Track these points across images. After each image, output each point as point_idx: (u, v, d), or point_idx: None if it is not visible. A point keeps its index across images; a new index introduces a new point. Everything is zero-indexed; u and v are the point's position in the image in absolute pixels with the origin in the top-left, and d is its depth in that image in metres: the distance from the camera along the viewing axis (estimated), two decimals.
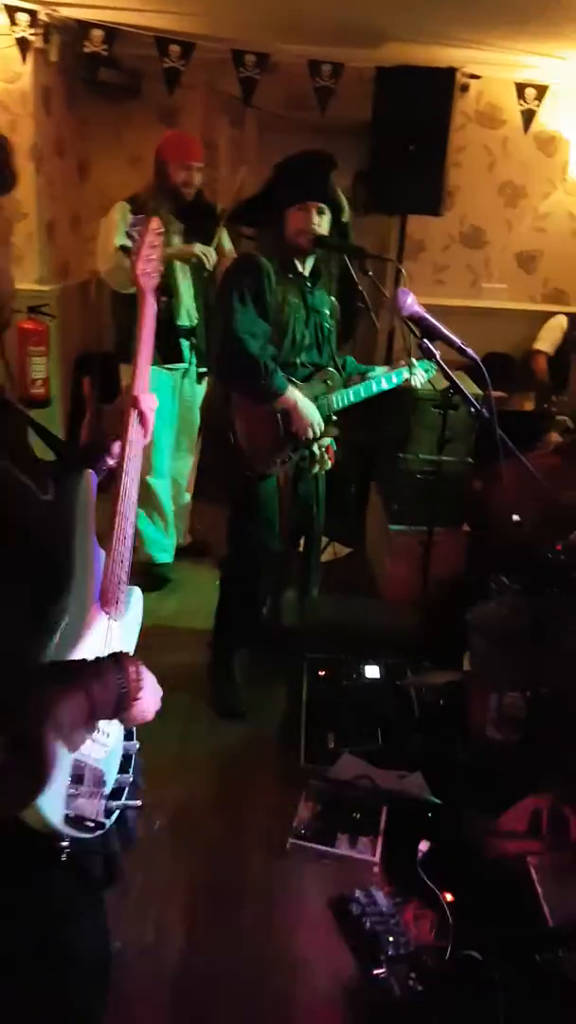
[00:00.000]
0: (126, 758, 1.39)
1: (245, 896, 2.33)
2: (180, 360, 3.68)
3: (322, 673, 3.18)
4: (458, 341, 2.26)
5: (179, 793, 2.65)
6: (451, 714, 2.82)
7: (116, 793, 1.36)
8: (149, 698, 1.22)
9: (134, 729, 1.40)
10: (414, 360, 2.85)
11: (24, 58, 4.25)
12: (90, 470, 1.35)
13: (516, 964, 2.03)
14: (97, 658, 1.20)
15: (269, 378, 2.69)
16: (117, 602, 1.37)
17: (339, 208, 2.82)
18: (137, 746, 1.42)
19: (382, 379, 2.96)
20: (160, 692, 1.27)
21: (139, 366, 1.49)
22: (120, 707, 1.16)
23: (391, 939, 2.15)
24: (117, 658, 1.19)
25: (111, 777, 1.34)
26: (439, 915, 2.22)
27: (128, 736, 1.40)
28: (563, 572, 2.06)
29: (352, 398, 2.94)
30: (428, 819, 2.47)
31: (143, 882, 2.30)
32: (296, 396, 2.76)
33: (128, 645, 1.41)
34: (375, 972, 2.07)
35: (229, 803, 2.65)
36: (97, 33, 4.24)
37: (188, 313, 3.65)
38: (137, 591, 1.47)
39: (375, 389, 2.97)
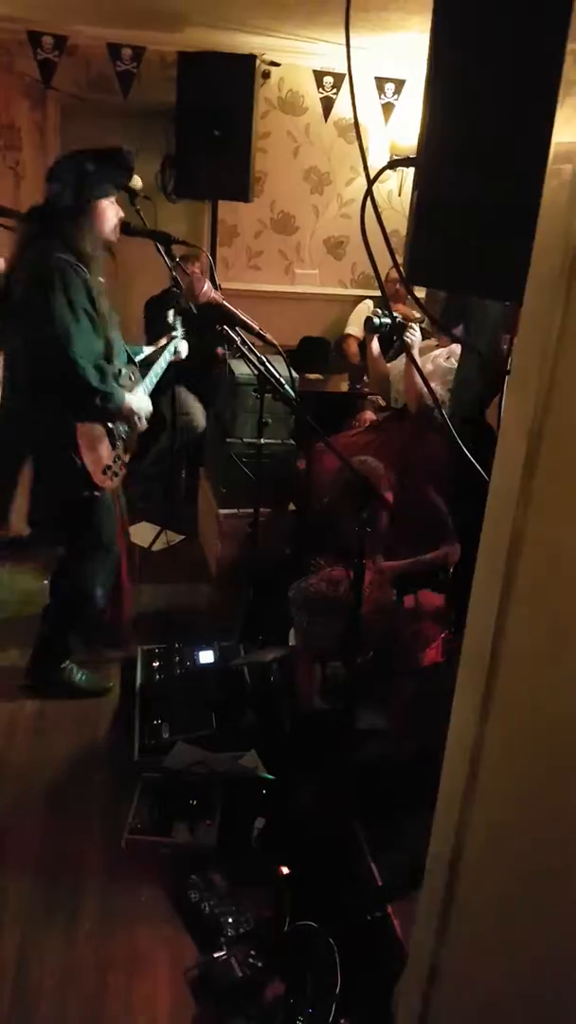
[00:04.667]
0: None
1: (82, 900, 2.27)
2: None
3: (156, 664, 3.14)
4: (256, 326, 2.28)
5: (5, 806, 2.56)
6: (281, 689, 2.87)
7: None
8: None
9: None
10: (175, 334, 2.97)
11: None
12: None
13: (350, 926, 2.10)
14: None
15: (111, 400, 2.64)
16: None
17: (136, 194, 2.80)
18: None
19: (161, 361, 3.02)
20: None
21: None
22: None
23: (230, 920, 2.17)
24: None
25: None
26: (277, 889, 2.25)
27: None
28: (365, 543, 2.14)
29: (151, 386, 2.94)
30: (263, 796, 2.51)
31: None
32: (129, 401, 2.73)
33: None
34: (216, 955, 2.08)
35: (61, 810, 2.57)
36: None
37: None
38: None
39: (160, 371, 3.00)
